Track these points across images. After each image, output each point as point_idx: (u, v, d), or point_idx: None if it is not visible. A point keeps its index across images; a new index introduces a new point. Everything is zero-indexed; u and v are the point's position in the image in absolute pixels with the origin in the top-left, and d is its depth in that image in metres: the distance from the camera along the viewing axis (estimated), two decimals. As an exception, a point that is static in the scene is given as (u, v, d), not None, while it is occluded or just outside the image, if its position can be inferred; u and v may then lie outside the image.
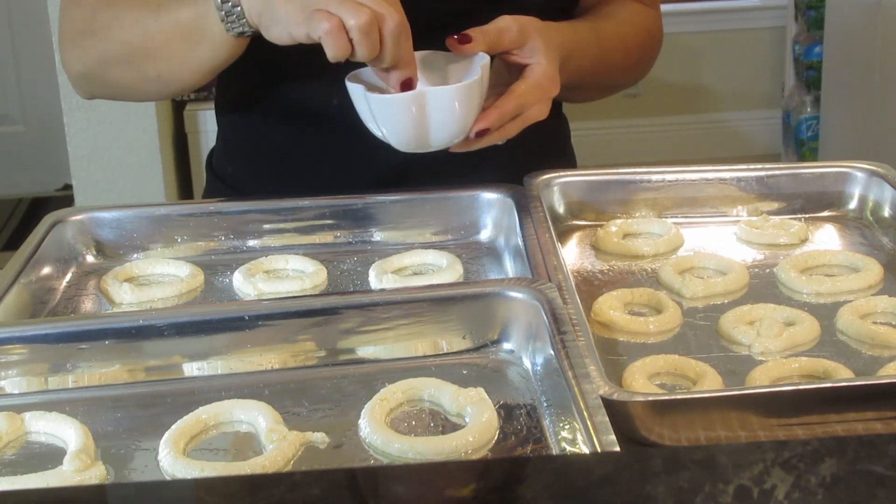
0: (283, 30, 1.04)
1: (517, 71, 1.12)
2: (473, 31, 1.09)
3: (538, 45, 1.11)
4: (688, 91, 4.07)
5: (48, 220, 1.20)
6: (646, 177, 1.28)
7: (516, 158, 1.30)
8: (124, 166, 2.70)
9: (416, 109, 1.05)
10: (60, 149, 2.93)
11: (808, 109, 3.70)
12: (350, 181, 1.28)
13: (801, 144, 3.75)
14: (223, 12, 1.09)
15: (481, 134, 1.09)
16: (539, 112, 1.12)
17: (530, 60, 1.11)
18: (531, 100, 1.10)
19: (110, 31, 1.20)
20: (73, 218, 1.21)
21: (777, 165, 1.30)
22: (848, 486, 0.64)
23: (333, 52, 1.01)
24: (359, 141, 1.27)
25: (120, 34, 1.18)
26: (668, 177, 1.28)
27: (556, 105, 1.42)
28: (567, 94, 1.29)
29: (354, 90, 1.09)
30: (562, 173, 1.27)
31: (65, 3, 1.25)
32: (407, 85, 1.06)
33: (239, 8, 1.08)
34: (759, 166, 1.29)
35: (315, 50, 1.25)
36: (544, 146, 1.38)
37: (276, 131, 1.32)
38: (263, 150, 1.34)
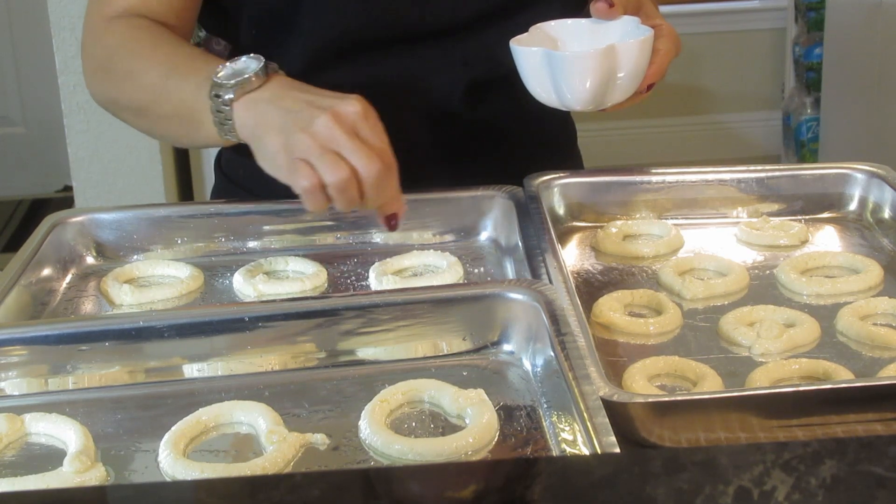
0: (268, 165, 1.03)
1: None
2: None
3: (651, 11, 1.16)
4: (688, 92, 4.06)
5: (48, 221, 1.20)
6: (646, 178, 1.28)
7: (523, 160, 1.30)
8: (124, 168, 2.70)
9: (605, 64, 1.08)
10: (60, 150, 2.93)
11: (809, 111, 3.70)
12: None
13: (802, 146, 3.75)
14: (217, 120, 1.07)
15: (651, 87, 1.14)
16: (664, 72, 1.16)
17: (653, 23, 1.15)
18: (672, 56, 1.15)
19: (124, 82, 1.19)
20: (74, 219, 1.21)
21: (777, 167, 1.30)
22: (848, 487, 0.64)
23: (311, 207, 1.01)
24: None
25: (131, 91, 1.18)
26: (669, 178, 1.28)
27: None
28: None
29: (532, 54, 1.10)
30: (562, 174, 1.27)
31: (86, 34, 1.24)
32: (390, 220, 1.04)
33: (231, 122, 1.06)
34: (760, 168, 1.29)
35: (326, 52, 1.25)
36: (551, 148, 1.39)
37: None
38: None
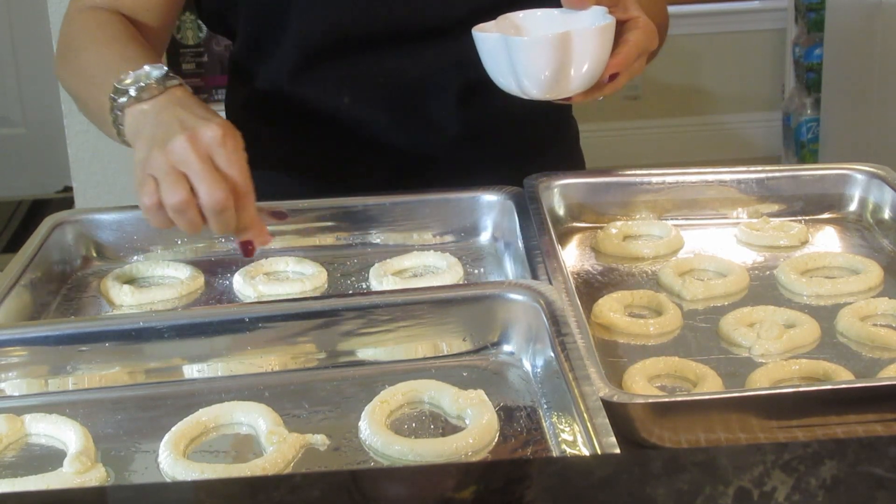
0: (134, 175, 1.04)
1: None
2: None
3: (630, 3, 1.14)
4: (688, 93, 4.07)
5: (48, 222, 1.20)
6: (646, 179, 1.28)
7: (524, 160, 1.30)
8: (125, 168, 2.69)
9: (561, 51, 1.07)
10: (60, 151, 2.93)
11: (809, 111, 3.70)
12: (359, 181, 1.28)
13: (802, 146, 3.75)
14: (113, 121, 1.09)
15: (614, 77, 1.11)
16: (640, 66, 1.15)
17: (629, 15, 1.13)
18: (643, 48, 1.13)
19: (72, 71, 1.22)
20: (74, 220, 1.21)
21: (777, 168, 1.30)
22: (848, 488, 0.64)
23: (153, 224, 1.02)
24: (368, 140, 1.28)
25: (76, 80, 1.21)
26: (669, 179, 1.28)
27: (567, 107, 1.42)
28: None
29: (489, 39, 1.10)
30: (562, 175, 1.27)
31: (63, 19, 1.28)
32: (245, 245, 1.03)
33: (122, 126, 1.08)
34: (760, 168, 1.29)
35: (317, 49, 1.25)
36: (550, 148, 1.38)
37: (286, 132, 1.32)
38: (272, 152, 1.34)
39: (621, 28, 1.12)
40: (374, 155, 1.29)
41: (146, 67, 1.07)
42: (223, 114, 1.40)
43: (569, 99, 1.12)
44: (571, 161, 1.43)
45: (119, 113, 1.08)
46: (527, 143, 1.34)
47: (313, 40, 1.25)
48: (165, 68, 1.08)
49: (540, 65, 1.08)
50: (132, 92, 1.06)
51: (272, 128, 1.32)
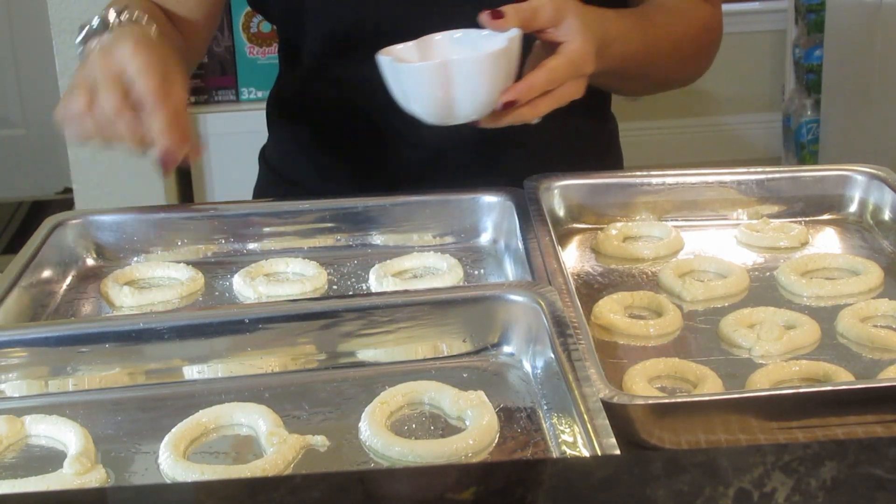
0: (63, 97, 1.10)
1: (553, 50, 1.12)
2: (507, 8, 1.09)
3: (574, 25, 1.11)
4: (688, 94, 4.06)
5: (48, 223, 1.20)
6: (646, 180, 1.28)
7: (552, 158, 1.30)
8: (125, 169, 2.70)
9: (443, 78, 1.05)
10: (61, 152, 2.93)
11: (809, 113, 3.70)
12: (382, 178, 1.30)
13: (802, 148, 3.75)
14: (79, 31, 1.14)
15: (508, 106, 1.08)
16: (574, 90, 1.12)
17: (565, 38, 1.11)
18: (562, 75, 1.10)
19: None
20: (74, 221, 1.21)
21: (777, 169, 1.30)
22: (848, 489, 0.64)
23: (68, 137, 1.09)
24: (392, 137, 1.29)
25: None
26: (669, 180, 1.28)
27: (604, 104, 1.42)
28: (613, 83, 1.30)
29: (383, 62, 1.09)
30: (562, 176, 1.27)
31: None
32: (161, 159, 1.06)
33: (82, 47, 1.14)
34: (760, 170, 1.29)
35: (331, 48, 1.26)
36: (589, 145, 1.38)
37: (322, 126, 1.36)
38: (318, 145, 1.37)
39: (550, 51, 1.11)
40: (398, 153, 1.30)
41: (110, 8, 1.13)
42: (213, 116, 1.45)
43: (476, 123, 1.10)
44: (610, 159, 1.42)
45: (80, 47, 1.13)
46: (556, 139, 1.33)
47: (327, 40, 1.26)
48: (126, 6, 1.13)
49: (424, 91, 1.07)
50: (90, 28, 1.13)
51: (316, 121, 1.36)
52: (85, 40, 1.13)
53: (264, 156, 1.45)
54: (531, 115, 1.10)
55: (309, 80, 1.35)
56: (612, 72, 1.19)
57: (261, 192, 1.44)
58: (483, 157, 1.31)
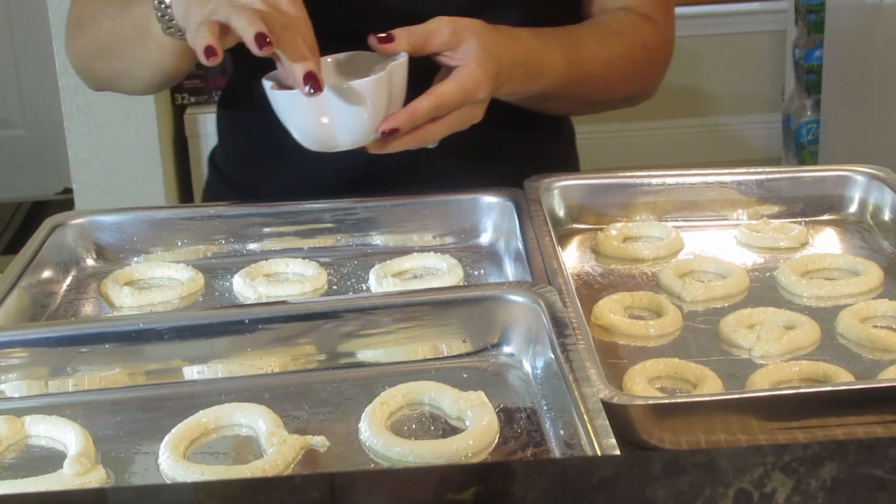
0: (189, 35, 1.03)
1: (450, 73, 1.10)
2: (399, 31, 1.07)
3: (472, 48, 1.08)
4: (688, 94, 4.07)
5: (48, 223, 1.20)
6: (646, 180, 1.28)
7: (516, 163, 1.30)
8: (124, 170, 2.70)
9: (317, 106, 1.03)
10: (61, 152, 2.93)
11: (809, 113, 3.70)
12: (350, 182, 1.27)
13: (802, 148, 3.75)
14: (158, 13, 1.09)
15: (388, 134, 1.06)
16: (470, 115, 1.10)
17: (460, 62, 1.09)
18: (450, 101, 1.07)
19: (90, 26, 1.23)
20: (74, 221, 1.21)
21: (777, 169, 1.30)
22: (848, 489, 0.64)
23: (203, 57, 1.01)
24: None
25: (96, 29, 1.21)
26: (669, 180, 1.28)
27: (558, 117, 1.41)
28: (537, 104, 1.27)
29: (265, 86, 1.07)
30: (562, 177, 1.27)
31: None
32: (309, 79, 1.01)
33: (170, 10, 1.08)
34: (760, 170, 1.29)
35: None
36: (545, 150, 1.38)
37: (267, 130, 1.32)
38: (264, 149, 1.34)
39: (445, 76, 1.09)
40: (343, 158, 1.27)
41: None
42: (214, 116, 1.43)
43: (363, 149, 1.09)
44: (567, 164, 1.42)
45: (165, 6, 1.07)
46: (518, 145, 1.33)
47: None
48: None
49: (301, 118, 1.06)
50: None
51: (270, 125, 1.32)
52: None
53: (213, 160, 1.43)
54: (420, 141, 1.09)
55: (254, 82, 1.31)
56: (532, 93, 1.17)
57: (210, 197, 1.41)
58: (432, 165, 1.27)
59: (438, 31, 1.08)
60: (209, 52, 0.99)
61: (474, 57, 1.09)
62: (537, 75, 1.18)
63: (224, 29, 1.00)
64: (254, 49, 0.99)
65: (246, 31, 0.99)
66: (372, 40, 1.07)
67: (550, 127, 1.38)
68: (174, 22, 1.08)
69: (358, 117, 1.05)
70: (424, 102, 1.06)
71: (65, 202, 3.65)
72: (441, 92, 1.07)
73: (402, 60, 1.07)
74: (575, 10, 1.32)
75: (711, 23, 3.98)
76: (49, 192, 4.01)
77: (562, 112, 1.37)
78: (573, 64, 1.21)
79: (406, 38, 1.07)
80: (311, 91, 1.00)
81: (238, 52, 1.33)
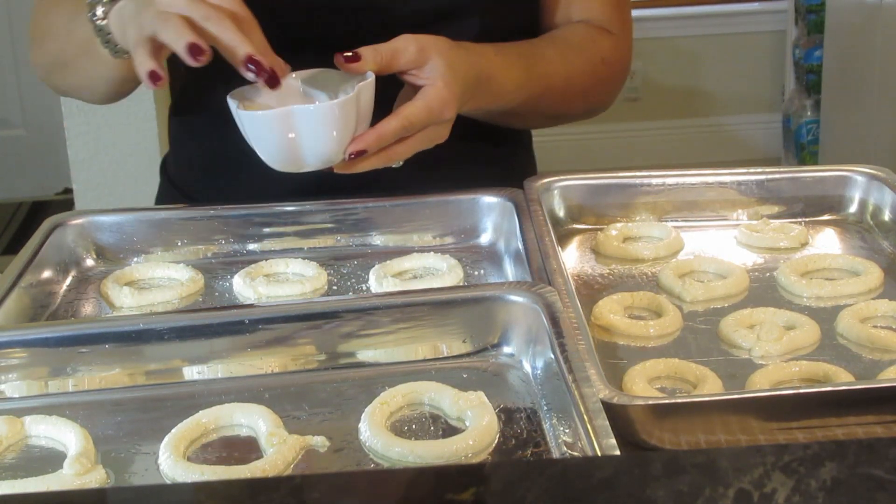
0: (133, 58, 1.02)
1: (416, 92, 1.09)
2: (365, 50, 1.06)
3: (438, 66, 1.08)
4: (688, 95, 4.07)
5: (48, 223, 1.20)
6: (646, 180, 1.28)
7: (474, 172, 1.28)
8: (124, 170, 2.70)
9: (284, 128, 1.02)
10: (61, 152, 2.93)
11: (809, 113, 3.71)
12: (303, 192, 1.25)
13: (802, 148, 3.75)
14: (101, 39, 1.08)
15: (357, 155, 1.05)
16: (436, 135, 1.09)
17: (426, 81, 1.08)
18: (417, 121, 1.06)
19: (44, 41, 1.22)
20: (74, 222, 1.21)
21: (777, 169, 1.30)
22: (848, 489, 0.64)
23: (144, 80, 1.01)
24: None
25: (49, 46, 1.21)
26: (669, 180, 1.28)
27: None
28: (501, 119, 1.27)
29: (231, 106, 1.06)
30: (562, 177, 1.27)
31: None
32: (264, 73, 1.01)
33: (111, 35, 1.07)
34: (760, 170, 1.29)
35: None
36: (504, 160, 1.36)
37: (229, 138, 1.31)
38: (217, 158, 1.32)
39: (410, 94, 1.08)
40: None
41: None
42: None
43: (329, 169, 1.08)
44: (525, 171, 1.40)
45: (102, 23, 1.07)
46: (478, 155, 1.32)
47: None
48: None
49: (267, 139, 1.05)
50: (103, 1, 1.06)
51: (223, 132, 1.30)
52: (105, 7, 1.07)
53: (165, 168, 1.41)
54: (386, 161, 1.08)
55: (207, 89, 1.27)
56: (495, 109, 1.17)
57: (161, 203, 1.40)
58: (387, 174, 1.24)
59: (405, 49, 1.07)
60: (153, 77, 1.00)
61: (440, 75, 1.08)
62: (501, 92, 1.17)
63: (159, 43, 1.00)
64: (188, 61, 0.98)
65: (176, 44, 0.98)
66: (338, 59, 1.06)
67: (509, 137, 1.37)
68: (119, 46, 1.08)
69: (326, 138, 1.04)
70: (392, 123, 1.05)
71: (65, 202, 3.65)
72: (408, 112, 1.06)
73: (370, 81, 1.05)
74: (531, 21, 1.31)
75: (711, 23, 3.98)
76: (49, 192, 4.01)
77: (521, 126, 1.36)
78: (535, 80, 1.21)
79: (372, 57, 1.06)
80: (255, 74, 1.00)
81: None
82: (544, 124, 1.38)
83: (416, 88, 1.09)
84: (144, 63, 0.99)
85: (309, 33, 1.21)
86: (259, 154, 1.07)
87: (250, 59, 1.00)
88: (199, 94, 1.32)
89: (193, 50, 0.98)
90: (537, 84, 1.22)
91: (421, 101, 1.07)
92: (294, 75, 1.10)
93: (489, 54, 1.16)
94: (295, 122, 1.03)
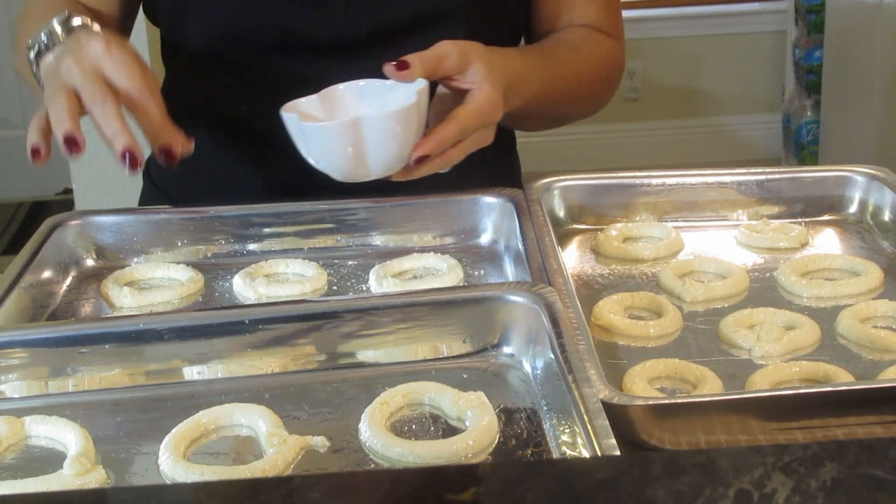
0: None
1: (460, 97, 1.09)
2: (411, 57, 1.07)
3: (480, 70, 1.08)
4: (688, 95, 4.07)
5: (48, 223, 1.20)
6: (646, 181, 1.28)
7: (457, 174, 1.28)
8: (124, 170, 2.70)
9: (352, 137, 1.03)
10: (61, 153, 2.93)
11: (809, 113, 3.71)
12: (284, 193, 1.25)
13: (802, 148, 3.75)
14: (38, 81, 1.11)
15: (421, 160, 1.06)
16: (483, 138, 1.10)
17: (472, 85, 1.08)
18: (472, 125, 1.07)
19: (15, 53, 1.23)
20: (74, 222, 1.21)
21: (777, 169, 1.30)
22: (848, 489, 0.64)
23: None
24: (271, 151, 1.24)
25: (18, 60, 1.21)
26: (669, 181, 1.28)
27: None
28: (515, 122, 1.27)
29: (289, 120, 1.06)
30: (562, 177, 1.27)
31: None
32: (164, 153, 1.08)
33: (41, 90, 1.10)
34: (760, 170, 1.29)
35: (213, 53, 1.22)
36: (490, 161, 1.35)
37: (215, 144, 1.30)
38: (200, 161, 1.31)
39: (460, 99, 1.08)
40: (277, 166, 1.25)
41: (53, 20, 1.10)
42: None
43: (388, 177, 1.08)
44: (512, 169, 1.40)
45: (35, 69, 1.10)
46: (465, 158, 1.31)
47: (208, 46, 1.23)
48: (70, 14, 1.10)
49: (334, 150, 1.05)
50: (41, 44, 1.09)
51: (209, 140, 1.29)
52: (38, 57, 1.10)
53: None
54: (442, 166, 1.09)
55: (189, 92, 1.29)
56: (516, 113, 1.17)
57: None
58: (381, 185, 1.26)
59: (448, 55, 1.08)
60: (32, 154, 1.05)
61: (486, 79, 1.08)
62: (526, 94, 1.18)
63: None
64: (63, 153, 1.03)
65: (56, 131, 1.02)
66: (388, 68, 1.06)
67: (497, 139, 1.37)
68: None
69: (393, 146, 1.04)
70: (451, 128, 1.06)
71: (65, 202, 3.65)
72: (464, 115, 1.07)
73: (425, 86, 1.06)
74: (516, 27, 1.32)
75: (711, 23, 3.98)
76: (49, 192, 4.01)
77: (526, 128, 1.36)
78: (553, 82, 1.22)
79: (420, 64, 1.07)
80: (131, 170, 1.05)
81: (170, 60, 1.32)
82: (548, 126, 1.38)
83: (459, 94, 1.09)
84: (30, 136, 1.05)
85: (298, 36, 1.21)
86: (319, 166, 1.07)
87: (123, 155, 1.05)
88: (181, 97, 1.30)
89: (68, 142, 1.03)
90: (555, 86, 1.23)
91: (473, 105, 1.08)
92: (342, 87, 1.11)
93: (515, 57, 1.17)
94: (363, 131, 1.03)
